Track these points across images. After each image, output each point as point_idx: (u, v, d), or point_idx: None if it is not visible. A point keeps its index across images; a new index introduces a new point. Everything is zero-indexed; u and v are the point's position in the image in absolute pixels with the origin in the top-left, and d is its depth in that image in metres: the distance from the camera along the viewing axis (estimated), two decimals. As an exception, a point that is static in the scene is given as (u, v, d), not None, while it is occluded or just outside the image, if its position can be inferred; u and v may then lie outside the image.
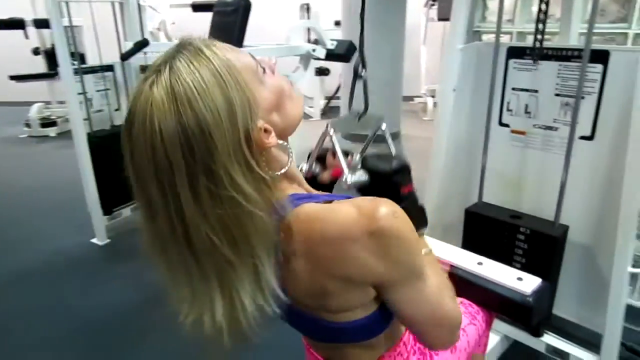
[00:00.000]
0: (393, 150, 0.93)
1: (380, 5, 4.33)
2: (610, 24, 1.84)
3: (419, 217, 0.85)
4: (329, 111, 6.21)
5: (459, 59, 1.70)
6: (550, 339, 1.64)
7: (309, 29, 3.63)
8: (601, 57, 1.46)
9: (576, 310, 1.68)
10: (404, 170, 0.84)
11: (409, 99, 6.10)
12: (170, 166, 0.59)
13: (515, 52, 1.64)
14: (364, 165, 0.85)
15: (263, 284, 0.65)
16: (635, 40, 1.81)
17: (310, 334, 0.86)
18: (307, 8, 5.77)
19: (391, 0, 4.43)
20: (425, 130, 5.77)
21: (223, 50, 0.64)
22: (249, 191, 0.62)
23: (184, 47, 0.64)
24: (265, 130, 0.66)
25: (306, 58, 2.80)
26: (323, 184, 0.94)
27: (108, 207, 2.92)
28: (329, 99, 6.32)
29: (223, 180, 0.60)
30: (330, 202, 0.69)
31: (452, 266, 1.28)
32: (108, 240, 2.93)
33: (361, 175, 0.83)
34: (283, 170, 0.70)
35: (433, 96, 5.87)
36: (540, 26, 1.48)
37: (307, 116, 6.34)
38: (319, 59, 2.76)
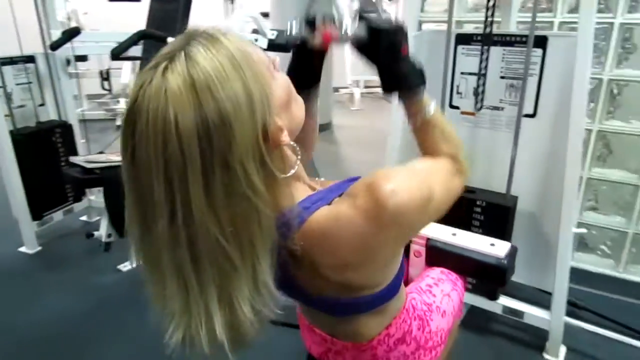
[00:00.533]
0: (384, 15, 0.85)
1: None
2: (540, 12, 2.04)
3: (420, 78, 0.84)
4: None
5: (414, 47, 1.79)
6: (506, 300, 1.80)
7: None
8: (541, 42, 1.61)
9: (526, 273, 1.85)
10: (403, 31, 0.80)
11: (335, 90, 6.22)
12: (183, 160, 0.55)
13: (463, 39, 1.76)
14: (362, 20, 0.80)
15: (260, 287, 0.63)
16: (560, 27, 2.02)
17: (331, 312, 0.85)
18: (229, -1, 5.67)
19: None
20: (354, 120, 5.94)
21: (238, 40, 0.61)
22: (261, 189, 0.59)
23: (197, 35, 0.60)
24: (279, 128, 0.63)
25: (247, 48, 2.78)
26: (312, 49, 0.87)
27: (37, 211, 2.69)
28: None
29: (238, 175, 0.57)
30: (330, 203, 0.69)
31: (428, 239, 1.36)
32: (39, 248, 2.70)
33: (359, 29, 0.79)
34: (292, 172, 0.66)
35: (359, 87, 6.02)
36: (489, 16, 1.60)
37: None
38: (261, 49, 2.75)
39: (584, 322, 1.85)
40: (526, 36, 1.58)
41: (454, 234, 1.38)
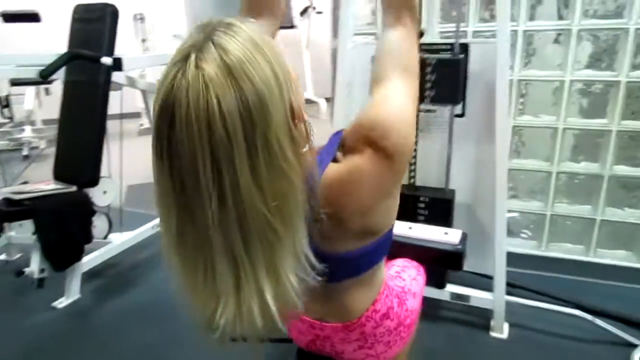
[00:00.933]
0: None
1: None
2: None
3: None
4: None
5: (350, 57, 1.89)
6: (453, 287, 1.95)
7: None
8: (464, 49, 1.79)
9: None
10: None
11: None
12: (229, 143, 0.58)
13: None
14: None
15: (301, 256, 0.67)
16: (473, 35, 2.24)
17: (355, 269, 0.89)
18: (140, 18, 5.50)
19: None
20: (325, 129, 5.91)
21: (254, 27, 0.65)
22: (294, 162, 0.63)
23: (217, 25, 0.62)
24: (299, 105, 0.68)
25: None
26: None
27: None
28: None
29: (276, 151, 0.61)
30: (336, 159, 0.78)
31: (388, 234, 1.46)
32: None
33: None
34: (311, 143, 0.71)
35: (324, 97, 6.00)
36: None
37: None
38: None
39: (520, 298, 2.04)
40: (452, 44, 1.75)
41: (410, 228, 1.48)
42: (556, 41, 2.23)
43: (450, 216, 1.87)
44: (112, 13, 2.21)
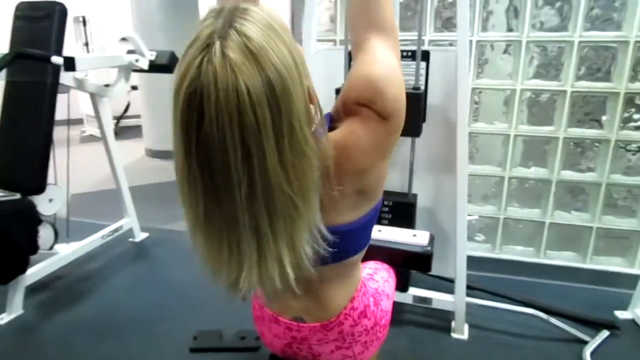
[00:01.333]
0: None
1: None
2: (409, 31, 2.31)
3: None
4: (120, 132, 5.78)
5: (313, 63, 1.89)
6: (415, 290, 1.97)
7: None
8: (425, 56, 1.83)
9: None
10: None
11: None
12: (258, 128, 0.60)
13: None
14: None
15: (314, 229, 0.71)
16: (429, 43, 2.30)
17: (352, 245, 0.90)
18: (82, 21, 5.27)
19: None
20: None
21: (267, 10, 0.66)
22: (312, 142, 0.67)
23: (234, 10, 0.63)
24: (312, 88, 0.71)
25: (127, 69, 2.64)
26: None
27: None
28: (118, 118, 5.88)
29: (299, 134, 0.64)
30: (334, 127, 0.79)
31: (357, 238, 1.46)
32: None
33: None
34: (318, 123, 0.73)
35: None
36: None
37: (100, 138, 5.76)
38: (142, 70, 2.63)
39: (478, 299, 2.10)
40: (414, 51, 1.79)
41: (379, 231, 1.49)
42: (506, 52, 2.34)
43: (412, 220, 1.90)
44: (60, 11, 2.09)
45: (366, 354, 1.01)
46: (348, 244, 0.87)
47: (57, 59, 1.93)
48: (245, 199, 0.64)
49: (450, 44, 2.29)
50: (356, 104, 0.76)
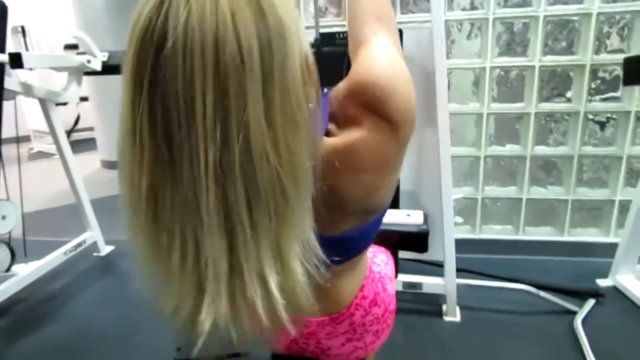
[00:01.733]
0: None
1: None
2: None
3: None
4: (72, 145, 5.47)
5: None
6: (404, 276, 1.92)
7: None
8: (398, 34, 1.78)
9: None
10: None
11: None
12: (242, 66, 0.45)
13: (329, 38, 1.85)
14: None
15: (306, 243, 0.55)
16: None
17: (355, 248, 0.79)
18: (22, 31, 4.96)
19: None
20: None
21: None
22: (307, 115, 0.52)
23: None
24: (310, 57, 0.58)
25: (78, 72, 2.47)
26: None
27: None
28: (69, 132, 5.58)
29: (291, 94, 0.50)
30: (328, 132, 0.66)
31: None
32: None
33: None
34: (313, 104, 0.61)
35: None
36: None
37: (49, 154, 5.46)
38: (94, 72, 2.47)
39: (466, 280, 2.07)
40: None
41: (371, 214, 1.42)
42: (472, 30, 2.33)
43: (397, 203, 1.85)
44: (0, 9, 1.92)
45: (377, 343, 0.96)
46: (360, 243, 0.78)
47: (0, 56, 1.76)
48: (214, 168, 0.46)
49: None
50: (361, 106, 0.62)
